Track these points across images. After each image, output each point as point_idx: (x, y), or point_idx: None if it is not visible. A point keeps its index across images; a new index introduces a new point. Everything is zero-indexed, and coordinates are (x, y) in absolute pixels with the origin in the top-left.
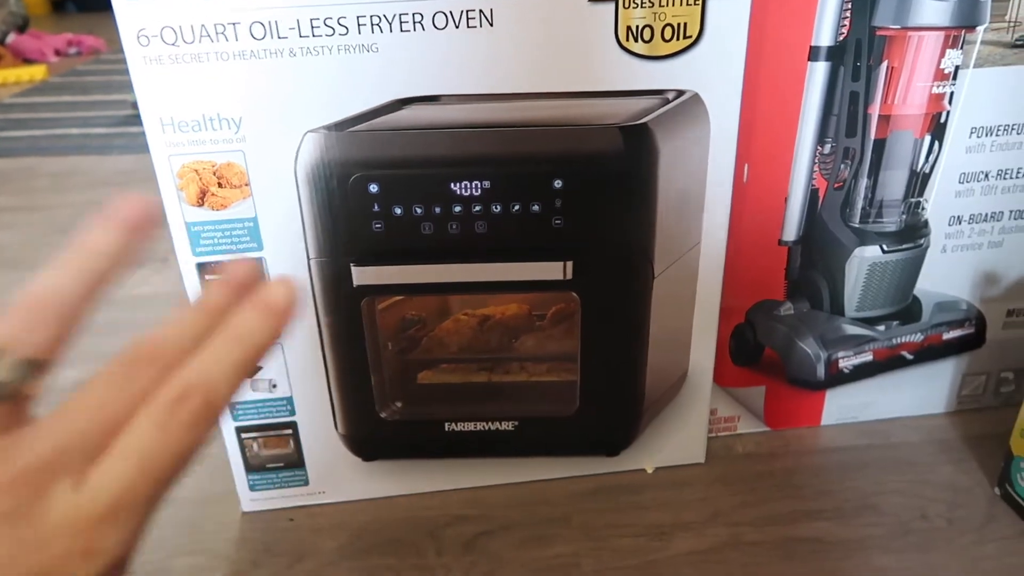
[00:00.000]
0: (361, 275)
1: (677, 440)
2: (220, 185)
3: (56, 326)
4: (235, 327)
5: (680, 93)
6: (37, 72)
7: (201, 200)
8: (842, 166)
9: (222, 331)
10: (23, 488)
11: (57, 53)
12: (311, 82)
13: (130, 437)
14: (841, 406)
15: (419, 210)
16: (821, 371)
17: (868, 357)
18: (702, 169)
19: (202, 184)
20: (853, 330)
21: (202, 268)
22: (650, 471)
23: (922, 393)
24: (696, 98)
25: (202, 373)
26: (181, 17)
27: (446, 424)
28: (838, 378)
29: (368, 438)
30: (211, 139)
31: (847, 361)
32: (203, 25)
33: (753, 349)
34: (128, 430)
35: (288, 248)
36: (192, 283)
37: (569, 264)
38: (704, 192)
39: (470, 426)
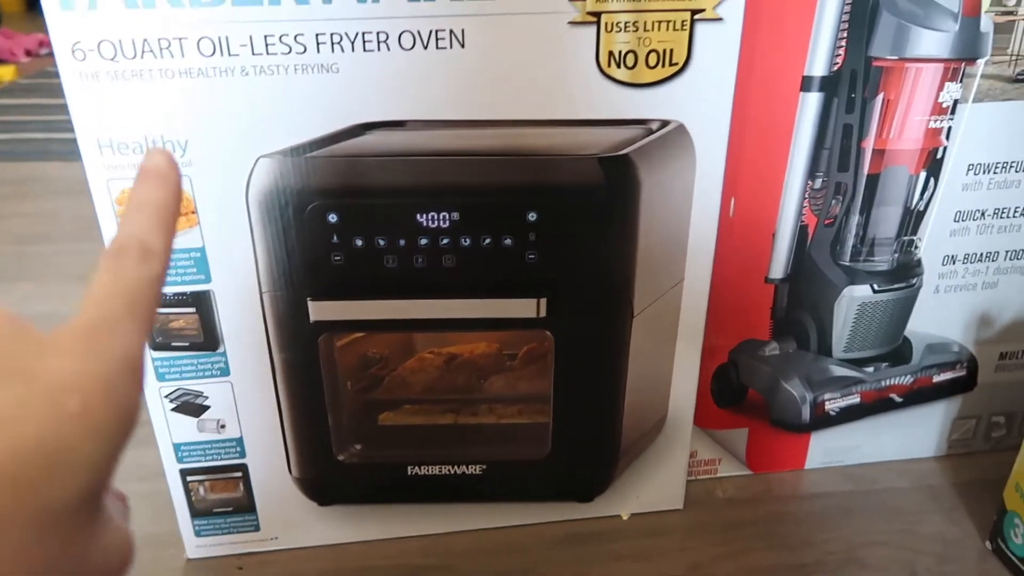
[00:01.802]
0: (319, 310)
1: (655, 485)
2: None
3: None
4: (130, 201)
5: (664, 123)
6: (6, 73)
7: None
8: (833, 202)
9: (126, 206)
10: None
11: (28, 53)
12: (265, 103)
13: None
14: (826, 449)
15: (382, 242)
16: (806, 413)
17: (855, 399)
18: (686, 203)
19: None
20: (840, 371)
21: None
22: (625, 518)
23: (910, 437)
24: (681, 128)
25: (125, 234)
26: (121, 30)
27: (409, 467)
28: (824, 420)
29: (324, 482)
30: None
31: (833, 403)
32: (146, 40)
33: (736, 390)
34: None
35: (239, 281)
36: None
37: (543, 301)
38: (688, 227)
39: (435, 469)
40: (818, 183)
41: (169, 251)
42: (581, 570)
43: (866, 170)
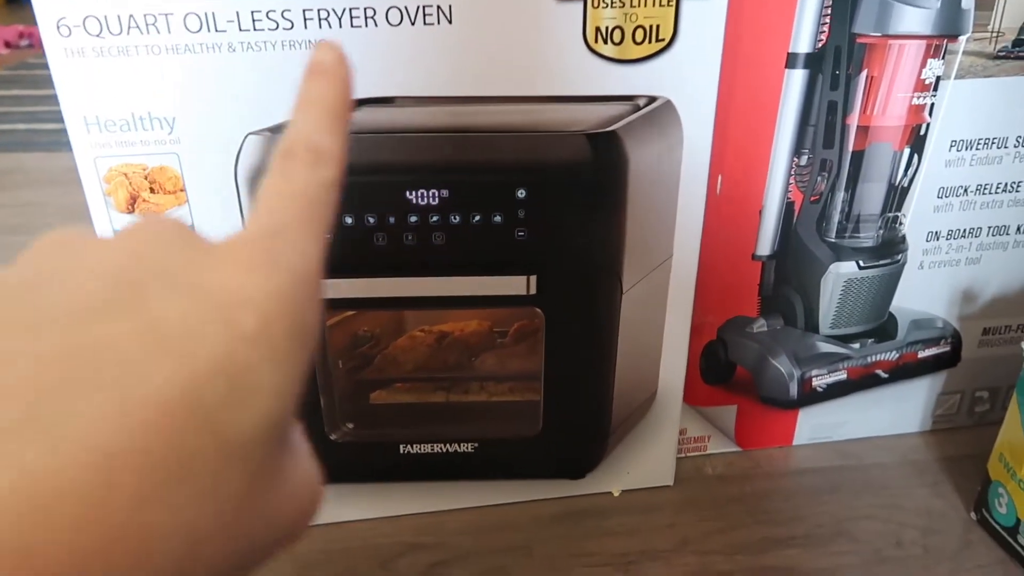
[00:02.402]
0: None
1: (645, 462)
2: (152, 191)
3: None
4: (299, 99)
5: (652, 99)
6: None
7: (132, 207)
8: (819, 178)
9: (294, 106)
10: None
11: (7, 45)
12: (253, 80)
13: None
14: (814, 425)
15: (372, 220)
16: (794, 390)
17: (842, 376)
18: (674, 180)
19: (132, 189)
20: (827, 348)
21: None
22: (616, 494)
23: (896, 412)
24: (668, 105)
25: (293, 135)
26: (107, 6)
27: (401, 446)
28: (811, 397)
29: (316, 461)
30: (142, 140)
31: (821, 380)
32: (132, 15)
33: (724, 367)
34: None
35: None
36: None
37: (533, 278)
38: (676, 204)
39: (427, 448)
40: (804, 160)
41: (343, 153)
42: (573, 546)
43: (851, 147)
